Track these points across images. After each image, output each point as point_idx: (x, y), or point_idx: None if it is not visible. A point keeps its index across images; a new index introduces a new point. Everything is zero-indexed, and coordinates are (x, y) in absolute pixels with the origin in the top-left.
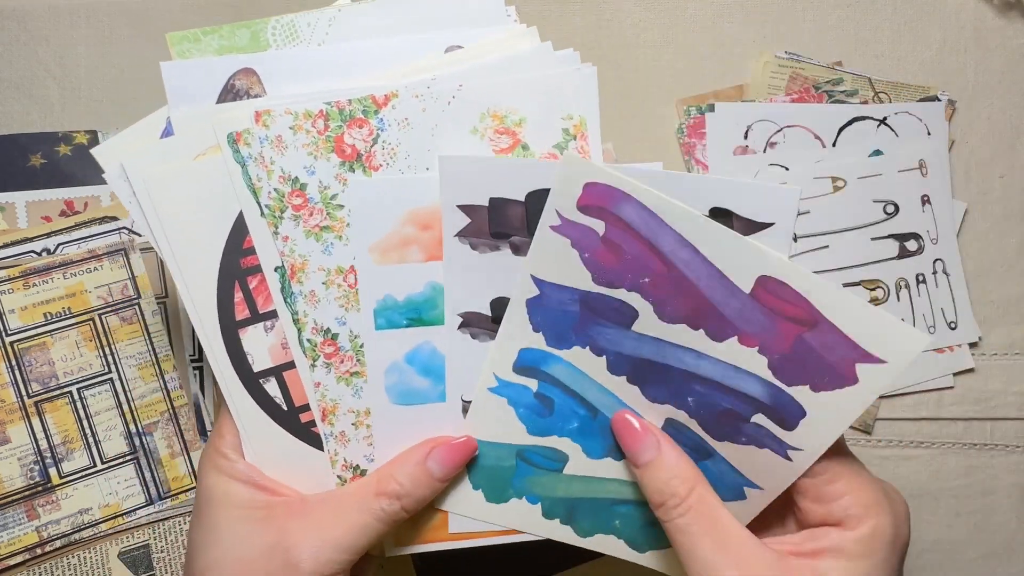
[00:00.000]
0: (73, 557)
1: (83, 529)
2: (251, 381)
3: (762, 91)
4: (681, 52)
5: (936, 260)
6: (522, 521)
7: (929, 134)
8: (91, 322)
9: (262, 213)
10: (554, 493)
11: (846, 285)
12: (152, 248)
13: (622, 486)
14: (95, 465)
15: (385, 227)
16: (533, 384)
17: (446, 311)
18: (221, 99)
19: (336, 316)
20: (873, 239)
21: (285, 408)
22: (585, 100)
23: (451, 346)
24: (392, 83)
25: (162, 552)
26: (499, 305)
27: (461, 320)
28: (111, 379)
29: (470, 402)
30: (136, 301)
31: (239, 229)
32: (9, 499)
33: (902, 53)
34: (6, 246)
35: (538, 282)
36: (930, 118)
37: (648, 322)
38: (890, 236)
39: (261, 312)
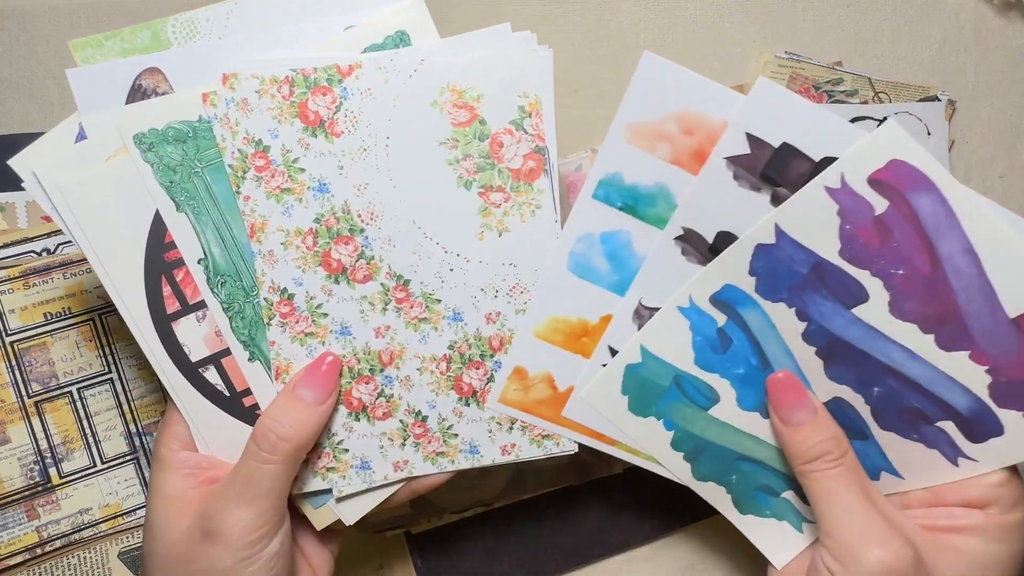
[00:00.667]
0: (73, 557)
1: (83, 529)
2: (191, 371)
3: None
4: (681, 52)
5: None
6: (649, 442)
7: (929, 134)
8: (91, 322)
9: (178, 208)
10: (691, 427)
11: None
12: None
13: (757, 444)
14: (95, 465)
15: (654, 112)
16: (721, 319)
17: (673, 217)
18: (129, 99)
19: (293, 277)
20: None
21: (227, 394)
22: (541, 80)
23: (658, 250)
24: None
25: None
26: (724, 239)
27: (682, 232)
28: (111, 379)
29: (647, 307)
30: None
31: (159, 225)
32: (9, 499)
33: (902, 53)
34: (6, 246)
35: (780, 233)
36: (930, 118)
37: (875, 311)
38: None
39: (191, 303)
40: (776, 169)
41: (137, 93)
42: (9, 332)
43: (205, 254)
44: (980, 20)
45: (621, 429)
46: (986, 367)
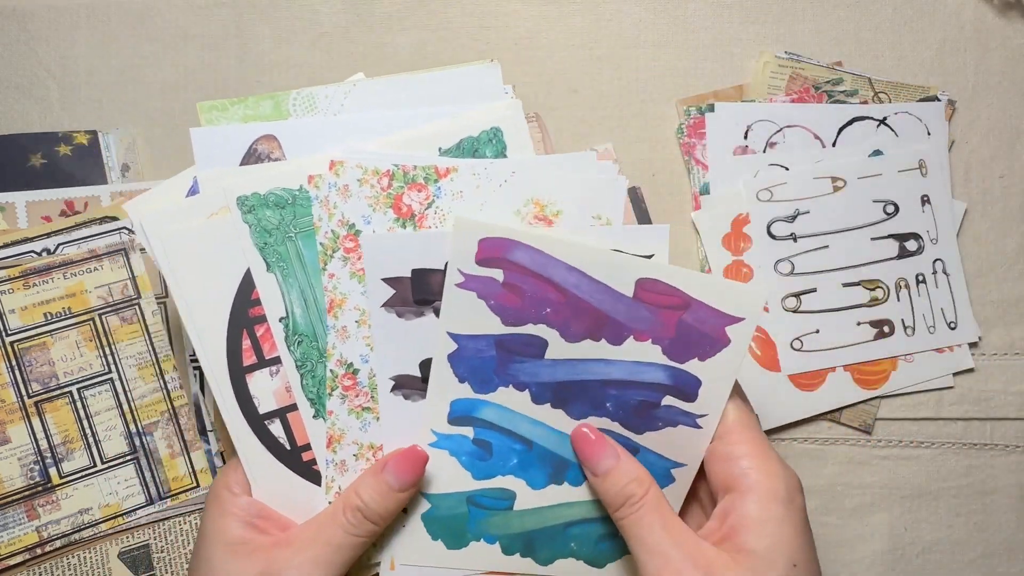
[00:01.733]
0: (73, 557)
1: (83, 529)
2: (256, 422)
3: (762, 91)
4: (681, 52)
5: (936, 260)
6: (484, 561)
7: (929, 134)
8: (91, 322)
9: (268, 268)
10: (509, 530)
11: (846, 285)
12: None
13: (571, 508)
14: (95, 465)
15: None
16: (469, 432)
17: (378, 377)
18: (244, 162)
19: (361, 353)
20: (873, 239)
21: (288, 448)
22: (615, 203)
23: (385, 411)
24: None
25: (162, 552)
26: (427, 366)
27: (393, 383)
28: (111, 379)
29: None
30: (136, 301)
31: (248, 282)
32: (9, 499)
33: (902, 53)
34: (6, 246)
35: (454, 337)
36: (930, 118)
37: (558, 347)
38: (890, 236)
39: (267, 358)
40: (421, 291)
41: (251, 156)
42: (9, 332)
43: (287, 313)
44: (980, 20)
45: (455, 567)
46: (649, 340)
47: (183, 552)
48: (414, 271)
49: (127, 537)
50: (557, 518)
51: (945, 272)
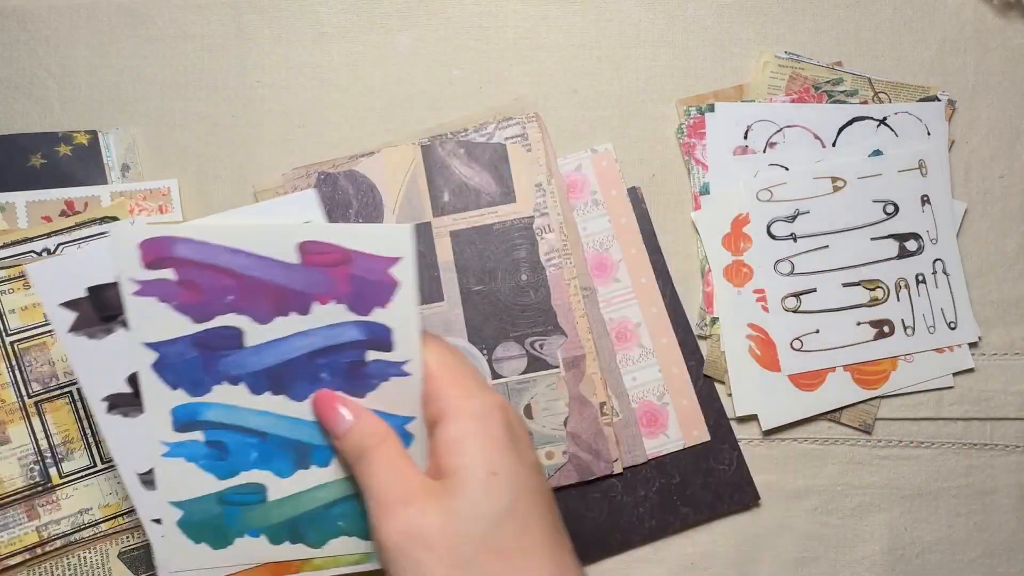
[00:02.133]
0: (73, 557)
1: (83, 529)
2: None
3: (762, 91)
4: (681, 52)
5: (936, 260)
6: (255, 555)
7: (929, 134)
8: None
9: None
10: (269, 521)
11: (846, 285)
12: None
13: (326, 489)
14: (95, 465)
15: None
16: (200, 436)
17: (90, 402)
18: None
19: None
20: (873, 239)
21: None
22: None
23: (108, 432)
24: None
25: None
26: (136, 380)
27: (108, 404)
28: None
29: (142, 473)
30: None
31: None
32: (9, 499)
33: (902, 53)
34: (6, 246)
35: (151, 346)
36: (930, 118)
37: (254, 332)
38: (890, 236)
39: None
40: (104, 308)
41: None
42: (9, 332)
43: None
44: (980, 20)
45: (226, 565)
46: (332, 301)
47: None
48: (90, 289)
49: (127, 537)
50: (316, 501)
51: (945, 272)
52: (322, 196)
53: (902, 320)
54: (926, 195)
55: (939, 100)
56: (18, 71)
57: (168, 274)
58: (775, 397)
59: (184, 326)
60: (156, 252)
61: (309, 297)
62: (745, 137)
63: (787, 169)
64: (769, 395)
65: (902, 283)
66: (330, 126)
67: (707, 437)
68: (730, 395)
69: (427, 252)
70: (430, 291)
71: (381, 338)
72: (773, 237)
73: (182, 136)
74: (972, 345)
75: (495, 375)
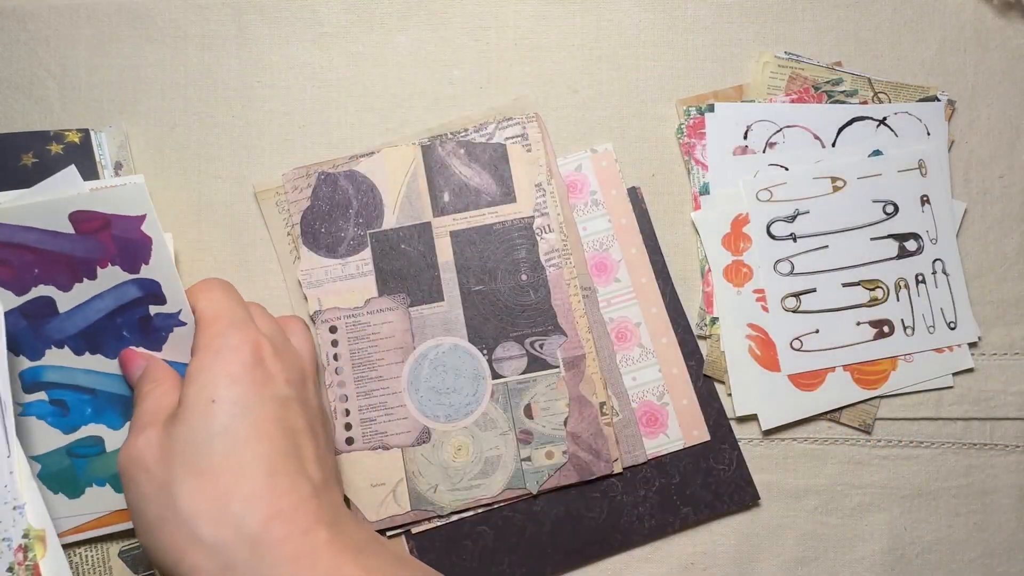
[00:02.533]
0: (75, 555)
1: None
2: None
3: (761, 91)
4: (681, 52)
5: (936, 260)
6: (105, 503)
7: (929, 134)
8: None
9: None
10: (111, 470)
11: (845, 285)
12: None
13: None
14: None
15: None
16: (44, 395)
17: None
18: None
19: None
20: (872, 239)
21: None
22: None
23: None
24: None
25: None
26: None
27: None
28: None
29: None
30: None
31: None
32: None
33: (902, 53)
34: None
35: None
36: (930, 118)
37: (63, 299)
38: (889, 236)
39: None
40: None
41: None
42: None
43: None
44: (980, 20)
45: (80, 514)
46: (108, 264)
47: None
48: None
49: (128, 536)
50: None
51: (945, 272)
52: (323, 196)
53: (902, 320)
54: (926, 195)
55: (939, 100)
56: (18, 71)
57: None
58: (775, 397)
59: (10, 300)
60: None
61: (92, 262)
62: (745, 137)
63: (787, 169)
64: (769, 395)
65: (902, 283)
66: (330, 126)
67: (707, 437)
68: (730, 395)
69: (427, 252)
70: (430, 291)
71: (155, 292)
72: (773, 237)
73: (182, 136)
74: (972, 345)
75: (495, 375)
